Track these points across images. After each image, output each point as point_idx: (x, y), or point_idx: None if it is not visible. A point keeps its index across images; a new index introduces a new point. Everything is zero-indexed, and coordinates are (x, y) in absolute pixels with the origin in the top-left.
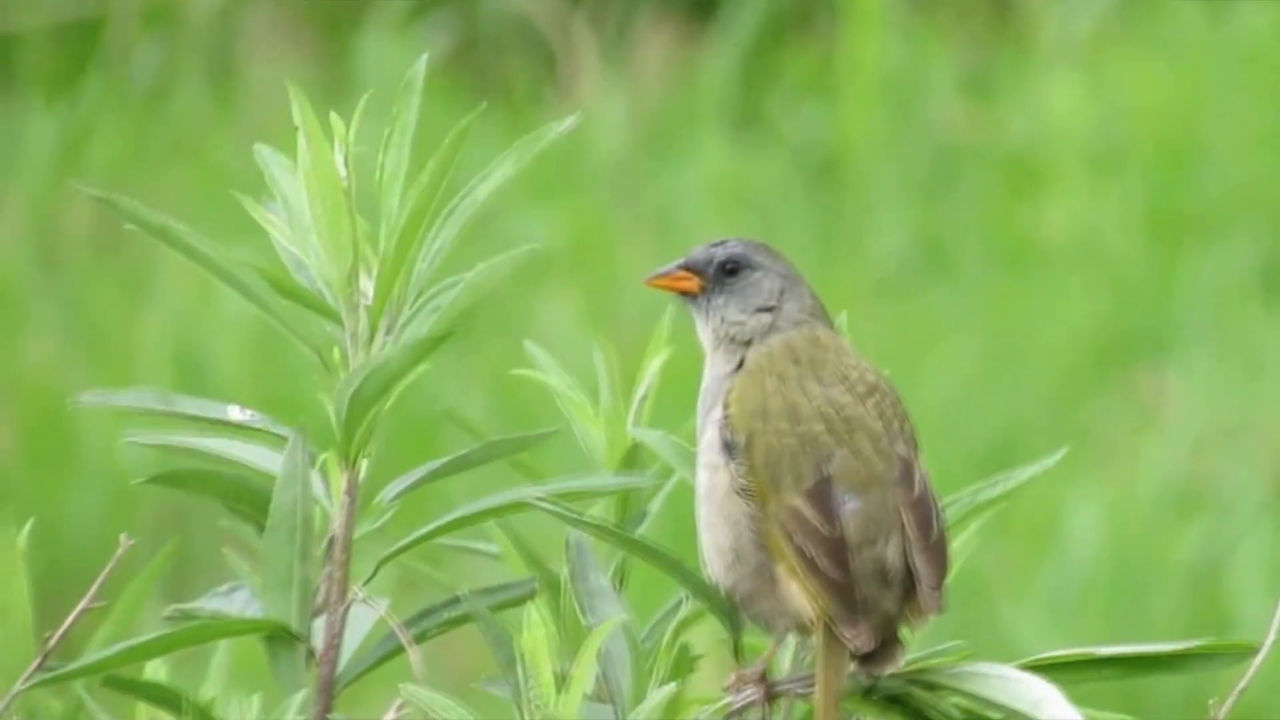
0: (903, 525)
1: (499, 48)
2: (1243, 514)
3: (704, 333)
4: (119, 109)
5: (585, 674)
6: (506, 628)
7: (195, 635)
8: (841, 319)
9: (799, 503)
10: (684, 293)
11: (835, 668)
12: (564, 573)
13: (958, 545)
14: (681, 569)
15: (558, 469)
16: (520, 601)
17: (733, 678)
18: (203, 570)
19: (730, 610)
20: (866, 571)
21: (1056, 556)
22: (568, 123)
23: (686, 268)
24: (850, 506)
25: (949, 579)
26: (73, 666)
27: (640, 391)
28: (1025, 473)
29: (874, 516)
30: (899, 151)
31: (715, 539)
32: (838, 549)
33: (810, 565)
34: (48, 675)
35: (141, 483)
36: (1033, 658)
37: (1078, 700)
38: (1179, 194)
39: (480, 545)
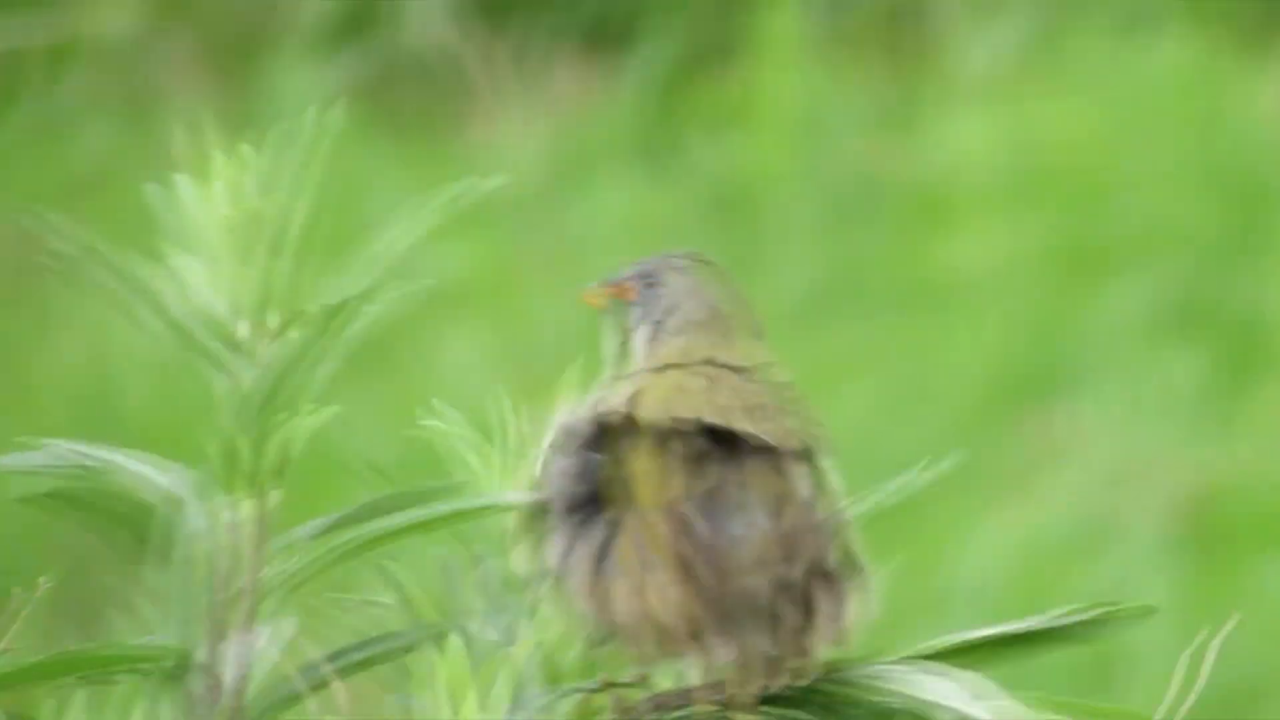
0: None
1: (413, 78)
2: (1142, 553)
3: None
4: (30, 143)
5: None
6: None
7: (85, 661)
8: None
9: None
10: (623, 299)
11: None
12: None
13: None
14: None
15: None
16: (428, 640)
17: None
18: (108, 597)
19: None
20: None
21: (953, 594)
22: (492, 181)
23: (633, 277)
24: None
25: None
26: None
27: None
28: (891, 488)
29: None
30: (811, 185)
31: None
32: (714, 556)
33: (688, 569)
34: None
35: (15, 500)
36: (930, 646)
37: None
38: (1089, 229)
39: (376, 598)
